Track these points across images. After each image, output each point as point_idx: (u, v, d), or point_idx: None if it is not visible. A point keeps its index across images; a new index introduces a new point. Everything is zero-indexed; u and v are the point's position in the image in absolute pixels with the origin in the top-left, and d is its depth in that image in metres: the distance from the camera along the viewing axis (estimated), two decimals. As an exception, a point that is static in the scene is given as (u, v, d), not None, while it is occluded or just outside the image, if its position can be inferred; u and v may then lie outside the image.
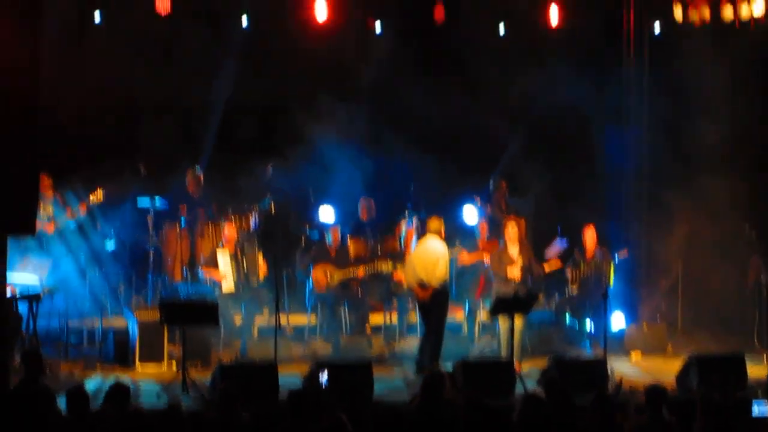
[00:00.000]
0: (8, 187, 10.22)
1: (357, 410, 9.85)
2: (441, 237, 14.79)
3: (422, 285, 14.62)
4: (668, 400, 10.12)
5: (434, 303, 14.63)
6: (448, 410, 10.19)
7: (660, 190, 18.03)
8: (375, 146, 18.15)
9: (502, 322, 14.89)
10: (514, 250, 15.43)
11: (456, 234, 16.55)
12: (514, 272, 15.25)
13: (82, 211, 16.14)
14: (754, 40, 17.14)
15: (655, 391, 10.08)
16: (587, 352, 16.02)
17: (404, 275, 15.31)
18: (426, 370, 13.73)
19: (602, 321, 14.85)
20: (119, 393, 10.26)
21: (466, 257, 16.50)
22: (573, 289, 16.54)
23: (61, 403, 10.37)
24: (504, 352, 14.69)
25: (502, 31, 18.36)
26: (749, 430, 10.32)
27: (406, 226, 17.19)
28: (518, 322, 14.65)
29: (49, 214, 15.81)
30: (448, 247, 15.04)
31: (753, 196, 17.25)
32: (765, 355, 15.59)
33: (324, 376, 12.74)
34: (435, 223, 14.86)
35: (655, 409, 9.89)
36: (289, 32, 17.86)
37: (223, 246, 16.07)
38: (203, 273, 16.16)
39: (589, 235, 16.64)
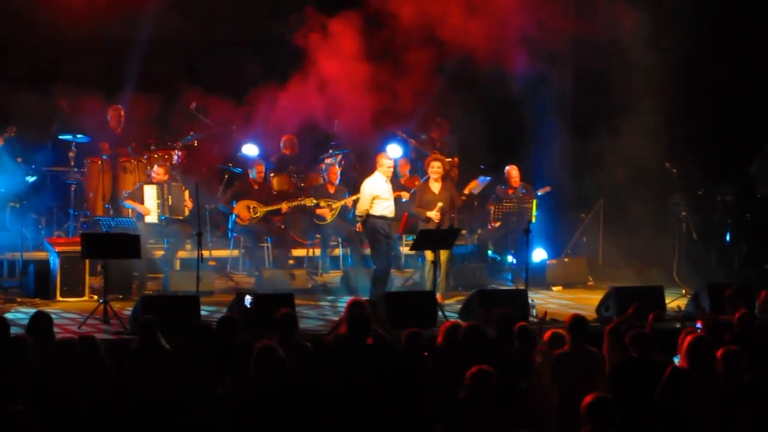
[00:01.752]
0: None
1: (282, 340, 9.88)
2: (384, 173, 14.84)
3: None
4: (589, 331, 10.26)
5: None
6: (375, 340, 10.29)
7: (583, 128, 18.15)
8: (300, 82, 17.98)
9: (427, 256, 14.95)
10: (436, 186, 15.38)
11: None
12: (433, 214, 15.18)
13: None
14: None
15: (577, 322, 10.18)
16: (509, 285, 16.16)
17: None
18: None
19: (524, 255, 14.99)
20: (41, 321, 10.22)
21: None
22: (495, 225, 16.64)
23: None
24: (428, 285, 14.76)
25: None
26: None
27: (330, 163, 17.15)
28: (442, 255, 14.73)
29: None
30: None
31: (673, 134, 17.38)
32: (683, 290, 15.80)
33: (249, 299, 12.70)
34: (377, 159, 15.04)
35: (577, 339, 10.01)
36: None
37: (151, 182, 15.97)
38: (127, 204, 16.05)
39: (513, 173, 16.75)
